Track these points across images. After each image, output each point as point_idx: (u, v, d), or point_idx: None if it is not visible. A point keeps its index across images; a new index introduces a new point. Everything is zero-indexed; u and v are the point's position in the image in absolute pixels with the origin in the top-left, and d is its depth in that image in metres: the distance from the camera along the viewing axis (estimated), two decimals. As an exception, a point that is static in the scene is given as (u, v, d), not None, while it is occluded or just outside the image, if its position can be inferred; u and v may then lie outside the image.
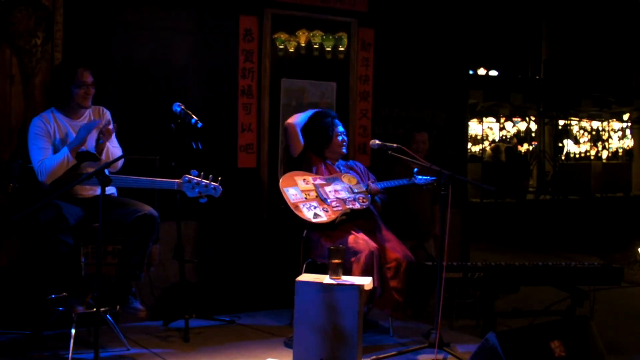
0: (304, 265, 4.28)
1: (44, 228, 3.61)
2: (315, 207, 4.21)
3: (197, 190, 3.71)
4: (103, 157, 3.82)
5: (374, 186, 4.53)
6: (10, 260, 4.27)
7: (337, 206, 4.28)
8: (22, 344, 4.00)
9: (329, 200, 4.29)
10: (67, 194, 3.73)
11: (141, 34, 4.68)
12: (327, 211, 4.22)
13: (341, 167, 4.62)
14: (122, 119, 4.21)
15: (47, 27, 4.32)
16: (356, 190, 4.45)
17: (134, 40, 4.66)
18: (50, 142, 3.81)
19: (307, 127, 4.53)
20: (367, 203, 4.41)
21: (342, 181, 4.48)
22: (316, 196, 4.30)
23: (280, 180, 4.30)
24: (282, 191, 4.23)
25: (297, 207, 4.17)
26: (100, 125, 3.81)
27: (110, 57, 4.58)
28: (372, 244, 4.13)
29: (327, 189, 4.37)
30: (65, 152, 3.71)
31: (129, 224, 3.76)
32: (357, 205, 4.35)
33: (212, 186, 3.72)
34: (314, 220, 4.15)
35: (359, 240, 4.15)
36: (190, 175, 3.71)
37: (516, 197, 14.51)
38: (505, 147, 18.15)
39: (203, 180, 3.72)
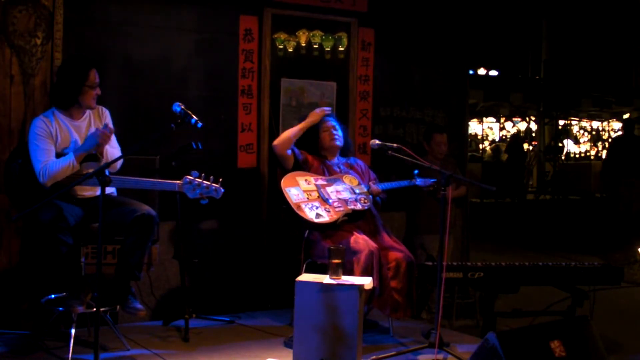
0: (304, 265, 4.28)
1: (44, 228, 3.60)
2: (317, 208, 4.21)
3: (198, 191, 3.68)
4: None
5: (375, 187, 4.53)
6: (10, 260, 4.27)
7: (339, 207, 4.28)
8: (22, 344, 4.00)
9: (330, 201, 4.29)
10: (67, 194, 3.72)
11: (141, 33, 4.68)
12: (329, 211, 4.22)
13: (341, 167, 4.61)
14: (122, 119, 4.21)
15: (47, 27, 4.32)
16: (358, 191, 4.45)
17: (134, 40, 4.66)
18: (51, 143, 3.79)
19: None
20: (368, 204, 4.41)
21: (343, 182, 4.48)
22: (318, 196, 4.29)
23: (282, 180, 4.30)
24: (283, 191, 4.22)
25: (299, 207, 4.17)
26: (105, 132, 3.78)
27: (110, 57, 4.58)
28: (372, 244, 4.13)
29: (329, 189, 4.37)
30: (70, 158, 3.68)
31: (127, 224, 3.75)
32: (358, 206, 4.35)
33: (214, 188, 3.69)
34: (316, 221, 4.14)
35: (359, 240, 4.15)
36: (191, 176, 3.69)
37: (516, 196, 14.49)
38: (511, 143, 17.98)
39: (204, 182, 3.69)
